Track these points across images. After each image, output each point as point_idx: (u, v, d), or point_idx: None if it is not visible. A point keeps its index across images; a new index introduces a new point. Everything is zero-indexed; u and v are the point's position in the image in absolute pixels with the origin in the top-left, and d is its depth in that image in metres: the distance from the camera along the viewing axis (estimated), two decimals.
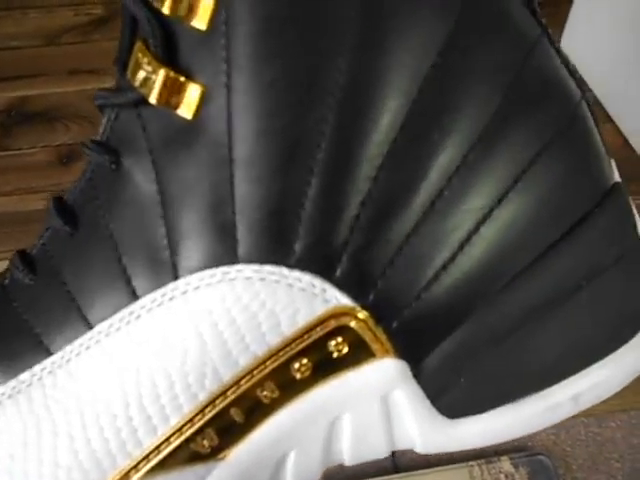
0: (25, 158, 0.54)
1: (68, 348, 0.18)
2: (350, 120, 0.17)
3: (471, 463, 0.33)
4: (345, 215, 0.17)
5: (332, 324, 0.18)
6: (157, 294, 0.18)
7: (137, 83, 0.17)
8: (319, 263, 0.17)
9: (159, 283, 0.18)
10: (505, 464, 0.33)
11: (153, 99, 0.17)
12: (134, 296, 0.18)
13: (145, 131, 0.18)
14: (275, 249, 0.17)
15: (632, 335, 0.19)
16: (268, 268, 0.17)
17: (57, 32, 0.68)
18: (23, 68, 0.63)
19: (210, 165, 0.17)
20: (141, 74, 0.17)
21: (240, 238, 0.17)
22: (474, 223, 0.18)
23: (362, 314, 0.18)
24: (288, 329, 0.18)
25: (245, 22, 0.16)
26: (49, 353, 0.18)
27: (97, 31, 0.68)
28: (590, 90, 0.19)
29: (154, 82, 0.17)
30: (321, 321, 0.18)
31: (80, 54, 0.65)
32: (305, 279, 0.17)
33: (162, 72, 0.17)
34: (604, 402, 0.39)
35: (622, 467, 0.33)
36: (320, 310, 0.18)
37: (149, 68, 0.17)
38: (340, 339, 0.18)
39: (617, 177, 0.20)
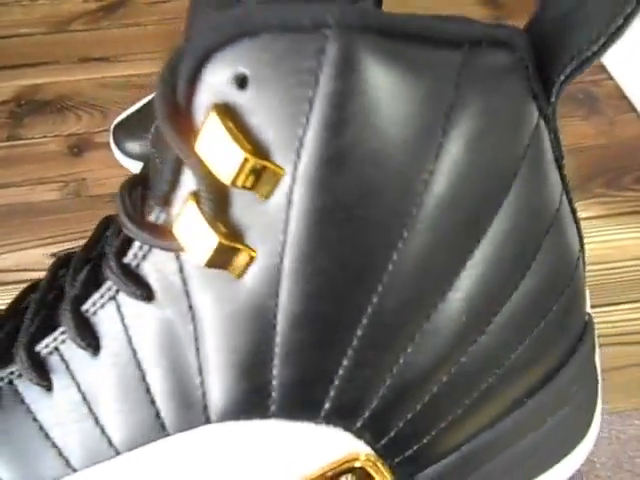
0: (36, 148, 0.53)
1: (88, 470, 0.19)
2: (390, 307, 0.17)
3: None
4: (371, 388, 0.18)
5: (346, 465, 0.20)
6: (186, 434, 0.18)
7: (185, 243, 0.16)
8: (343, 420, 0.19)
9: (188, 424, 0.18)
10: None
11: (202, 263, 0.16)
12: (163, 430, 0.18)
13: (182, 272, 0.17)
14: (304, 413, 0.19)
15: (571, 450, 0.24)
16: (297, 424, 0.19)
17: (66, 19, 0.67)
18: (33, 56, 0.62)
19: (252, 324, 0.17)
20: (191, 236, 0.16)
21: (274, 397, 0.18)
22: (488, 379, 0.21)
23: (373, 457, 0.20)
24: (311, 469, 0.20)
25: (306, 206, 0.16)
26: (71, 468, 0.19)
27: (106, 18, 0.67)
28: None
29: (205, 247, 0.16)
30: (339, 464, 0.20)
31: (90, 41, 0.64)
32: (329, 431, 0.19)
33: (215, 239, 0.16)
34: (627, 400, 0.39)
35: None
36: (339, 455, 0.20)
37: (200, 231, 0.15)
38: (350, 475, 0.20)
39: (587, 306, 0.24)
